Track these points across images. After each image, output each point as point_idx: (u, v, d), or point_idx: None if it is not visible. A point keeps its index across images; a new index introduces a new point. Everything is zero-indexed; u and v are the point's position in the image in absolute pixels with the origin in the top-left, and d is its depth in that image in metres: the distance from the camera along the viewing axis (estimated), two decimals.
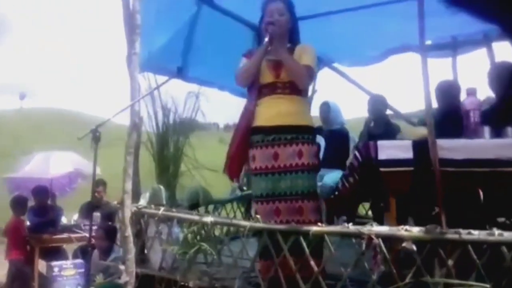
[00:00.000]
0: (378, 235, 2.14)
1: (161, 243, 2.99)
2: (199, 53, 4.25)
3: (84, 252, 5.06)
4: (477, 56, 4.67)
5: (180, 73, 3.19)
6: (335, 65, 5.39)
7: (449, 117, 3.66)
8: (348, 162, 2.74)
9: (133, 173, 3.02)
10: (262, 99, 2.81)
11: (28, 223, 5.80)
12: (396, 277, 2.09)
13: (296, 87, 2.75)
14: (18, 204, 5.67)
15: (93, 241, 4.59)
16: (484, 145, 2.24)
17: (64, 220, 6.17)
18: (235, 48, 4.39)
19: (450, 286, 1.96)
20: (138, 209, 3.08)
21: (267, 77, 2.79)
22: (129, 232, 3.01)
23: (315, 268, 2.33)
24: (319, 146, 2.80)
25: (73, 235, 5.53)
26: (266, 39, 2.74)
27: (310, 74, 2.81)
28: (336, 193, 2.47)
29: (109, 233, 4.19)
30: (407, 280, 2.05)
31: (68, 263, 4.62)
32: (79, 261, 4.65)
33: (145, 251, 3.20)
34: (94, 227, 4.91)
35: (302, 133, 2.72)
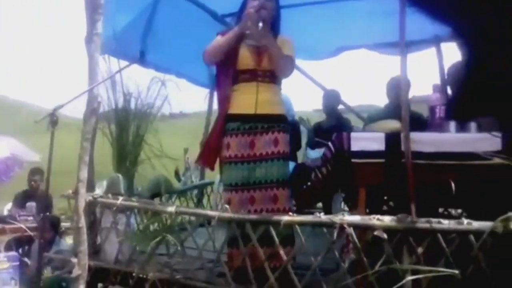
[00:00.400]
0: (350, 224, 2.21)
1: (118, 235, 2.91)
2: (158, 37, 4.19)
3: (18, 244, 4.82)
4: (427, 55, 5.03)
5: (143, 57, 3.12)
6: None
7: (399, 112, 3.88)
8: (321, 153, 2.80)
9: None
10: (239, 85, 2.80)
11: None
12: (367, 265, 2.16)
13: (275, 76, 2.78)
14: None
15: (29, 232, 4.41)
16: (453, 139, 2.37)
17: None
18: (195, 35, 4.38)
19: (419, 273, 2.07)
20: (94, 199, 2.99)
21: (247, 63, 2.78)
22: (82, 222, 2.92)
23: (285, 258, 2.37)
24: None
25: (7, 226, 5.24)
26: (261, 24, 2.72)
27: (293, 64, 2.85)
28: (309, 183, 2.51)
29: (53, 224, 4.03)
30: (376, 268, 2.12)
31: (0, 256, 4.39)
32: (13, 253, 4.42)
33: (99, 243, 3.10)
34: (30, 218, 4.73)
35: (278, 122, 2.77)
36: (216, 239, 2.69)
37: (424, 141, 2.34)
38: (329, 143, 2.52)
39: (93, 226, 3.08)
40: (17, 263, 4.15)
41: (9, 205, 6.00)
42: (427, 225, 2.09)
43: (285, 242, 2.43)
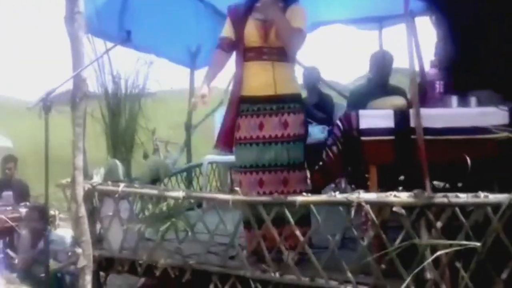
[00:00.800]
0: (367, 202, 2.29)
1: (122, 222, 2.90)
2: (135, 16, 4.07)
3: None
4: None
5: (129, 36, 3.03)
6: None
7: (382, 86, 3.98)
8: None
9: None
10: (247, 64, 2.77)
11: None
12: (386, 242, 2.26)
13: (284, 53, 2.70)
14: None
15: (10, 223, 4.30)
16: (461, 114, 2.47)
17: None
18: (172, 13, 4.31)
19: (438, 249, 2.17)
20: (93, 187, 2.95)
21: (253, 39, 2.73)
22: (83, 212, 2.90)
23: (301, 238, 2.44)
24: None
25: None
26: None
27: (302, 38, 2.72)
28: (321, 163, 2.56)
29: (42, 213, 3.95)
30: (396, 244, 2.21)
31: None
32: None
33: (100, 232, 3.08)
34: (9, 208, 4.61)
35: (288, 102, 2.73)
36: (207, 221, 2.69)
37: (432, 117, 2.41)
38: (337, 121, 2.56)
39: (93, 215, 3.04)
40: (1, 255, 4.09)
41: None
42: (444, 200, 2.19)
43: (301, 222, 2.49)
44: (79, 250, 2.82)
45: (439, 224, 2.19)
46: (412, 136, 2.38)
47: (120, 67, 3.20)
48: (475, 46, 3.05)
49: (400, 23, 5.09)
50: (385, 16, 5.09)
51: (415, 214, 2.24)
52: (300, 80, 4.60)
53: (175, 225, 2.70)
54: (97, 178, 2.99)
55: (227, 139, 2.83)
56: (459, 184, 2.79)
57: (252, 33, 2.73)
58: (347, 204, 2.33)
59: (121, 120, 3.09)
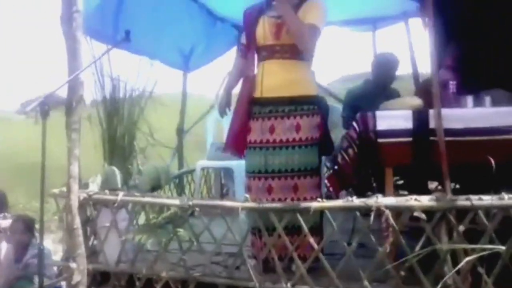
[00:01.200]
0: (387, 207, 2.23)
1: (120, 234, 2.78)
2: (129, 17, 4.00)
3: None
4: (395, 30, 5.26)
5: (128, 38, 2.94)
6: None
7: (382, 88, 3.97)
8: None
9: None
10: (259, 63, 2.73)
11: None
12: (407, 249, 2.20)
13: (298, 51, 2.63)
14: None
15: None
16: (480, 114, 2.43)
17: None
18: (167, 15, 4.24)
19: (459, 254, 2.12)
20: (89, 196, 2.83)
21: (265, 37, 2.68)
22: (77, 223, 2.78)
23: (315, 246, 2.36)
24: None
25: None
26: None
27: (313, 34, 2.61)
28: (336, 167, 2.49)
29: (28, 225, 3.80)
30: (416, 250, 2.15)
31: None
32: None
33: (95, 244, 2.95)
34: None
35: (301, 104, 2.65)
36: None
37: (451, 118, 2.37)
38: (353, 123, 2.50)
39: (88, 226, 2.92)
40: None
41: None
42: (467, 203, 2.14)
43: (312, 231, 2.42)
44: (73, 265, 2.69)
45: (461, 228, 2.13)
46: (431, 138, 2.34)
47: (119, 69, 3.09)
48: (480, 46, 3.05)
49: (393, 24, 5.19)
50: (378, 18, 5.11)
51: (436, 219, 2.18)
52: None
53: (178, 235, 2.59)
54: (93, 187, 2.86)
55: (237, 142, 2.76)
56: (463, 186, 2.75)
57: (263, 31, 2.69)
58: (365, 209, 2.27)
59: (118, 124, 2.98)
